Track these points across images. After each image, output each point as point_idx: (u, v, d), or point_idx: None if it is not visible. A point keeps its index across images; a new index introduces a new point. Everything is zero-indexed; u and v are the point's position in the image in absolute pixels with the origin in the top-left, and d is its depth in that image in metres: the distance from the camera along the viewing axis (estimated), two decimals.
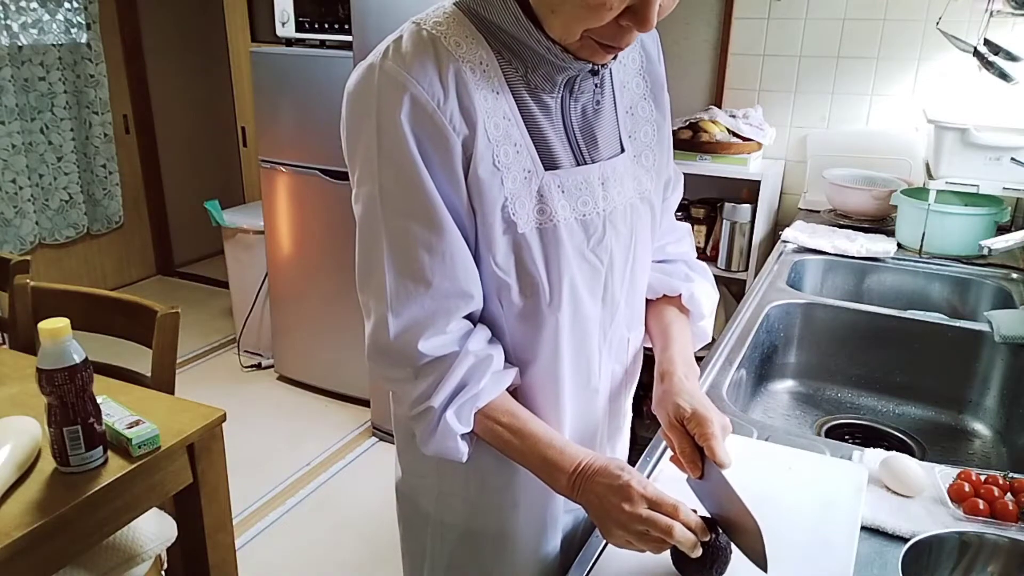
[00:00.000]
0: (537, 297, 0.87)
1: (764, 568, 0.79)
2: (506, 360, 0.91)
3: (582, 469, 0.85)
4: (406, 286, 0.83)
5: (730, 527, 0.83)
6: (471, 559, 1.02)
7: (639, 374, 1.10)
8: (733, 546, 0.83)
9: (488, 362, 0.86)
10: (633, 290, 1.00)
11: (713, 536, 0.81)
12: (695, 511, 0.82)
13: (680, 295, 1.07)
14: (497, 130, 0.82)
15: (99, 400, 1.26)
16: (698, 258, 1.15)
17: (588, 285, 0.91)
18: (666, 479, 0.99)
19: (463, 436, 0.87)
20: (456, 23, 0.83)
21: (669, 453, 0.94)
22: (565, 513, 1.03)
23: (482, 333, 0.88)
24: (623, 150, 0.94)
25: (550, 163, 0.86)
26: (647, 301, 1.08)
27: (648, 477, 1.02)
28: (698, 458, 0.87)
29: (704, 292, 1.08)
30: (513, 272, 0.86)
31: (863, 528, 0.94)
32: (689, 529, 0.80)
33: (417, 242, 0.82)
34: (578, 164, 0.89)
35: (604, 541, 0.91)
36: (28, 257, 2.07)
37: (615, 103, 0.94)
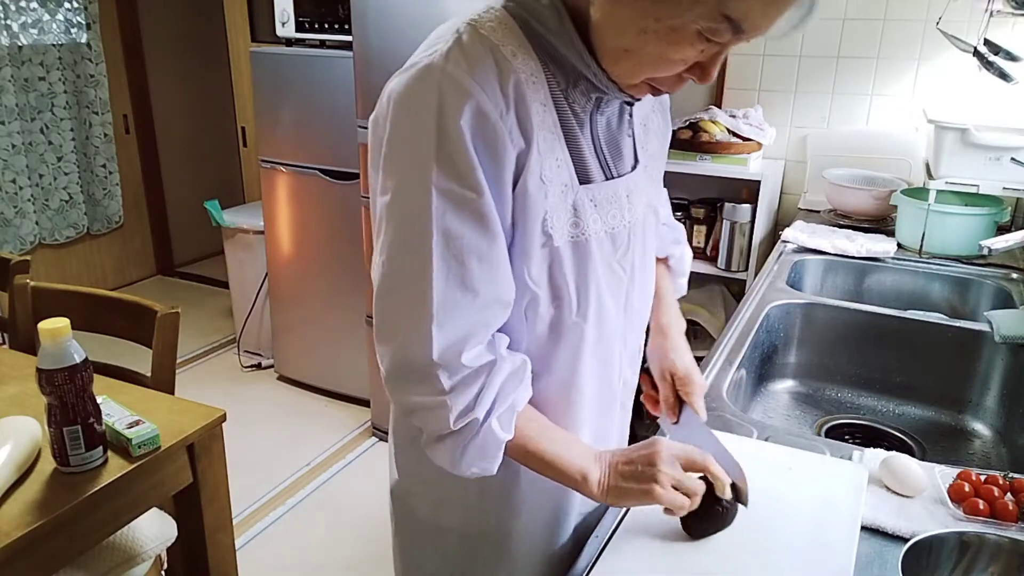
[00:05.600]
0: (563, 309, 0.87)
1: (745, 503, 0.92)
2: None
3: (606, 468, 0.88)
4: (454, 296, 0.79)
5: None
6: (468, 564, 1.02)
7: None
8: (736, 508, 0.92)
9: (525, 367, 0.86)
10: (649, 297, 1.04)
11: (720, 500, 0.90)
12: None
13: (668, 256, 1.17)
14: (545, 144, 0.81)
15: (99, 400, 1.26)
16: (698, 258, 1.20)
17: (614, 296, 0.93)
18: None
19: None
20: (508, 30, 0.81)
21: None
22: (577, 514, 1.03)
23: (505, 339, 0.87)
24: (637, 162, 0.95)
25: (584, 177, 0.86)
26: None
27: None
28: (678, 407, 1.03)
29: (688, 253, 1.21)
30: (545, 284, 0.86)
31: (863, 528, 0.94)
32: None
33: (471, 249, 0.78)
34: (607, 178, 0.89)
35: (601, 545, 0.92)
36: (28, 257, 2.07)
37: (632, 117, 0.95)
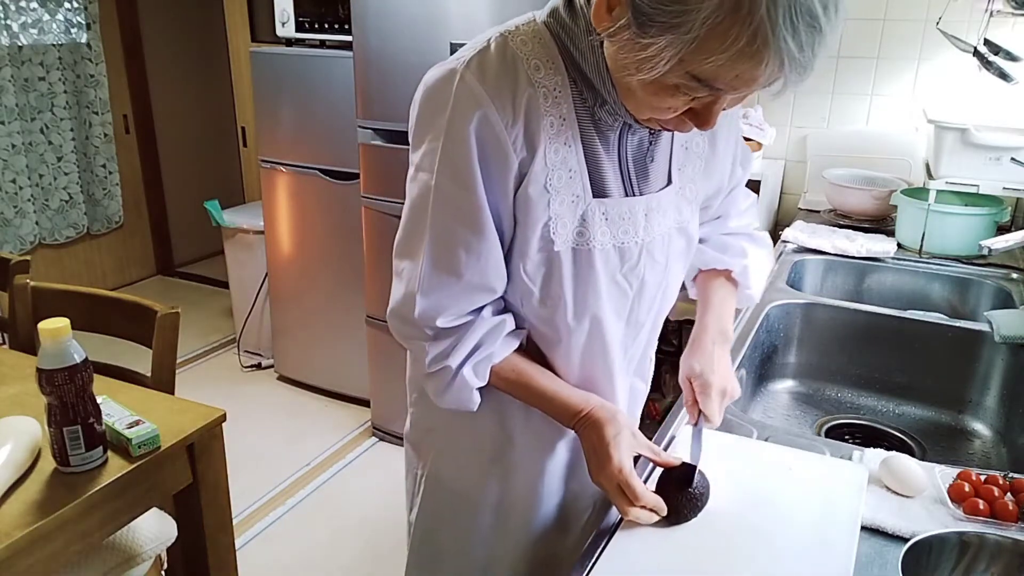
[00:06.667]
0: (557, 310, 0.92)
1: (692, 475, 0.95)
2: (527, 349, 0.97)
3: (582, 419, 0.94)
4: (440, 275, 0.88)
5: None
6: (454, 517, 1.09)
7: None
8: (708, 492, 0.95)
9: (502, 326, 0.92)
10: (660, 313, 1.06)
11: (691, 485, 0.93)
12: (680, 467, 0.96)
13: (730, 269, 1.14)
14: (556, 155, 0.85)
15: (99, 400, 1.26)
16: None
17: (615, 307, 0.96)
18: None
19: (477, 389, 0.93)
20: (541, 44, 0.85)
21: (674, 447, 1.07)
22: (565, 485, 1.07)
23: (496, 305, 0.93)
24: (670, 182, 0.97)
25: (600, 191, 0.89)
26: (699, 270, 1.15)
27: (650, 477, 1.03)
28: (696, 409, 1.03)
29: (757, 265, 1.15)
30: (539, 283, 0.90)
31: (863, 528, 0.94)
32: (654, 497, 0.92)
33: (459, 240, 0.86)
34: (627, 195, 0.92)
35: (609, 534, 0.93)
36: (28, 257, 2.07)
37: (672, 137, 0.96)
